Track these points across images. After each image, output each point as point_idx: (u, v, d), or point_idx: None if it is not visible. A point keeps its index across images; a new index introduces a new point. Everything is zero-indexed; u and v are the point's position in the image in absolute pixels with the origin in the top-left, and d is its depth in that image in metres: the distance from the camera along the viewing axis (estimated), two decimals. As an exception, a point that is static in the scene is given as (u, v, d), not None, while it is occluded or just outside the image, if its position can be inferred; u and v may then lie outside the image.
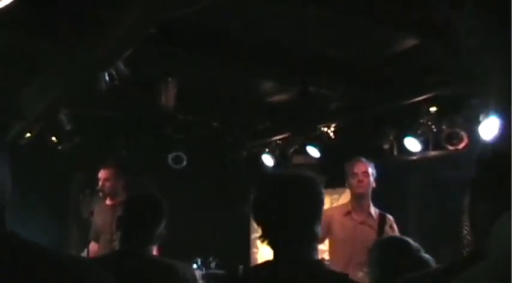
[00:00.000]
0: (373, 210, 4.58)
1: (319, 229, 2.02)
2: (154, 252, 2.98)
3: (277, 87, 6.31)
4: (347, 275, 2.07)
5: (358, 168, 4.55)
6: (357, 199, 4.60)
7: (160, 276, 2.61)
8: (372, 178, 4.55)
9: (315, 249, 2.03)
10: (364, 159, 4.62)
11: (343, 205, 4.84)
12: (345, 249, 4.52)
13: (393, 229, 4.40)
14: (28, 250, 1.00)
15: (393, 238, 3.25)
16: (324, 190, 2.06)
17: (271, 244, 2.05)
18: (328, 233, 4.53)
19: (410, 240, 2.74)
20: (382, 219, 4.49)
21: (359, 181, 4.54)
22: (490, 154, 1.42)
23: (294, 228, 2.00)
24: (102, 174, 5.44)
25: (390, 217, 4.54)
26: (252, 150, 7.87)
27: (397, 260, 2.59)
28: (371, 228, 4.49)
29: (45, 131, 6.38)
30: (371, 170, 4.56)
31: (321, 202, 2.04)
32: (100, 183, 5.40)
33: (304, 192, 2.02)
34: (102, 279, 1.06)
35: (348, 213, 4.61)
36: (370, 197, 4.59)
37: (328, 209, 4.60)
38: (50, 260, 1.00)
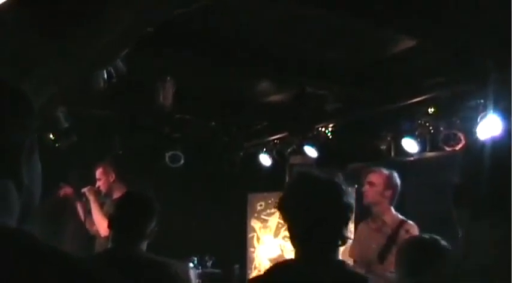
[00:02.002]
0: (392, 217, 4.60)
1: (348, 233, 2.05)
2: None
3: (274, 87, 6.31)
4: (367, 278, 2.09)
5: (366, 177, 4.63)
6: (368, 207, 4.65)
7: (152, 273, 2.62)
8: (381, 188, 4.58)
9: (338, 251, 2.06)
10: (377, 169, 4.70)
11: None
12: (352, 251, 4.64)
13: (410, 234, 4.37)
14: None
15: (420, 238, 3.21)
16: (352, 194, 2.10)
17: (299, 244, 2.06)
18: None
19: (440, 239, 2.73)
20: (398, 225, 4.51)
21: (364, 191, 4.62)
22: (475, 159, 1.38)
23: (325, 229, 2.01)
24: (97, 172, 5.48)
25: (410, 223, 4.52)
26: (249, 150, 7.87)
27: (422, 259, 2.59)
28: (383, 234, 4.51)
29: (42, 129, 6.36)
30: (382, 180, 4.60)
31: (352, 206, 2.08)
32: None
33: (337, 195, 2.04)
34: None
35: (369, 220, 4.73)
36: (384, 205, 4.60)
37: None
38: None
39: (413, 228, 4.47)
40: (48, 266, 0.95)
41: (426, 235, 2.91)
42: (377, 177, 4.61)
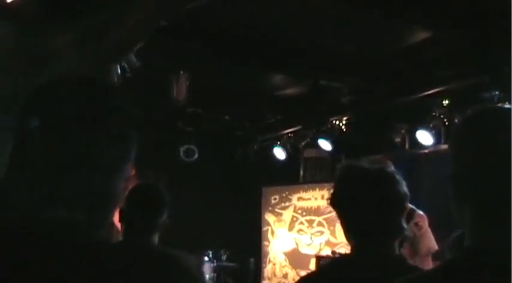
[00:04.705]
0: None
1: (405, 224, 2.01)
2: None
3: (288, 81, 6.30)
4: (427, 273, 2.07)
5: None
6: None
7: (163, 266, 2.62)
8: None
9: (396, 244, 2.02)
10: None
11: None
12: None
13: (419, 226, 4.31)
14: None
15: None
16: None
17: (356, 240, 2.03)
18: None
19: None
20: (408, 216, 4.44)
21: None
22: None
23: (382, 222, 1.98)
24: None
25: (420, 213, 4.45)
26: (263, 144, 7.87)
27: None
28: None
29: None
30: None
31: (407, 195, 2.04)
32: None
33: (391, 185, 2.01)
34: None
35: None
36: None
37: None
38: None
39: (422, 218, 4.43)
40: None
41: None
42: None
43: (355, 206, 2.01)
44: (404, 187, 2.02)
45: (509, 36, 3.41)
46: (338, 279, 1.98)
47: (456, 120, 5.41)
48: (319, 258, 6.45)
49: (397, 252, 2.01)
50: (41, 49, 3.44)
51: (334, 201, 2.07)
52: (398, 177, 2.03)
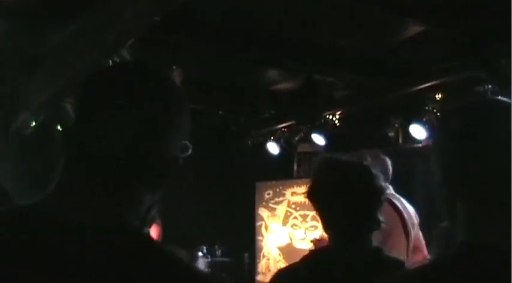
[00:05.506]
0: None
1: (381, 217, 2.03)
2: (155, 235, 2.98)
3: (282, 75, 6.29)
4: (403, 262, 2.07)
5: None
6: None
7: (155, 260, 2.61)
8: None
9: (373, 236, 2.04)
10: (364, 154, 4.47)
11: None
12: None
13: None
14: None
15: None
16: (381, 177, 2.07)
17: (333, 232, 2.04)
18: None
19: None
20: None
21: None
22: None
23: (358, 215, 1.99)
24: None
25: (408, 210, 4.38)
26: (257, 139, 7.87)
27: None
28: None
29: (50, 120, 6.37)
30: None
31: (384, 189, 2.05)
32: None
33: (368, 179, 2.02)
34: None
35: None
36: None
37: None
38: None
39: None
40: None
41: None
42: None
43: (331, 199, 2.02)
44: (381, 181, 2.05)
45: (507, 29, 3.40)
46: (315, 271, 2.00)
47: (444, 112, 5.42)
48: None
49: (373, 244, 2.03)
50: (37, 46, 3.42)
51: (311, 194, 2.09)
52: (375, 170, 2.05)
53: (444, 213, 1.25)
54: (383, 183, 2.06)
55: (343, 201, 2.00)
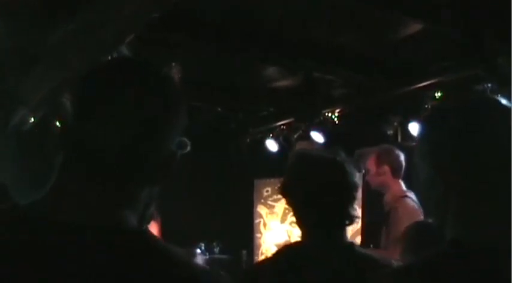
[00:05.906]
0: (392, 195, 4.27)
1: (355, 213, 2.02)
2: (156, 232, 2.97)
3: (281, 73, 6.29)
4: (376, 258, 2.06)
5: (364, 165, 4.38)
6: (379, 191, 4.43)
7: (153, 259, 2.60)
8: (374, 170, 4.29)
9: (346, 231, 2.04)
10: (367, 153, 4.39)
11: None
12: None
13: (398, 217, 4.20)
14: None
15: (422, 222, 3.16)
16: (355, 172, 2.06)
17: (306, 227, 2.04)
18: None
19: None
20: (394, 204, 4.36)
21: (366, 180, 4.39)
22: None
23: (331, 210, 1.99)
24: None
25: (407, 201, 4.20)
26: (255, 136, 7.86)
27: (422, 242, 2.56)
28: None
29: (50, 117, 6.36)
30: (374, 162, 4.29)
31: (357, 185, 2.04)
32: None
33: (341, 174, 2.01)
34: None
35: None
36: (386, 183, 4.30)
37: None
38: None
39: (404, 207, 4.16)
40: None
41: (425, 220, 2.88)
42: (368, 162, 4.34)
43: (304, 195, 2.02)
44: (354, 177, 2.04)
45: (507, 28, 3.40)
46: (288, 266, 2.00)
47: (440, 110, 5.39)
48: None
49: (347, 239, 2.03)
50: (36, 45, 3.42)
51: (284, 190, 2.09)
52: (349, 166, 2.04)
53: (431, 210, 1.24)
54: (356, 179, 2.06)
55: (315, 197, 1.99)
